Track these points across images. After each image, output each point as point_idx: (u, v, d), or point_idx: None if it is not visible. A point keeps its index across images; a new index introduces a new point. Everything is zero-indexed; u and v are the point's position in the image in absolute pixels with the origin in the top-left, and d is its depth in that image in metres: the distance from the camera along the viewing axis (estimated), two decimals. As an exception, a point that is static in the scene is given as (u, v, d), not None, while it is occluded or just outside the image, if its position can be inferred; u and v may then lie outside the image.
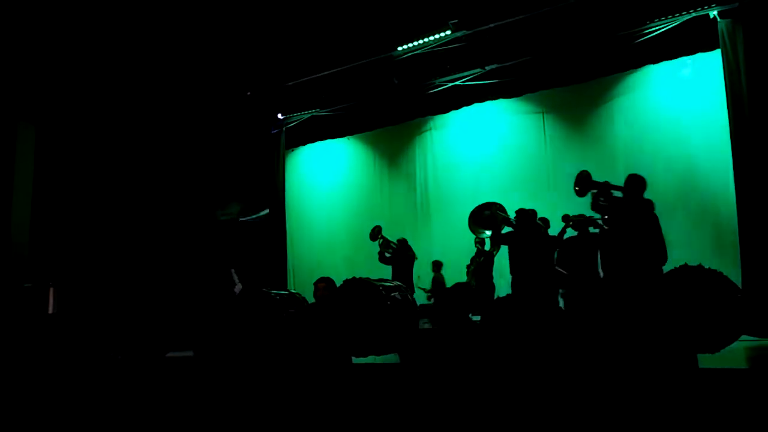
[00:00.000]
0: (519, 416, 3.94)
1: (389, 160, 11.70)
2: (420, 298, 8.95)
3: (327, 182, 12.35)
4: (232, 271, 9.15)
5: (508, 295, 5.42)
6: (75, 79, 10.28)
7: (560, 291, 7.20)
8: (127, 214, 10.88)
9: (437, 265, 9.67)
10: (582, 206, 8.52)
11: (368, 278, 5.42)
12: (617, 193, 6.27)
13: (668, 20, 8.34)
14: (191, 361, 5.84)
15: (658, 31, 8.44)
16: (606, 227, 6.58)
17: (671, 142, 8.86)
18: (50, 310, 9.18)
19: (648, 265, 5.89)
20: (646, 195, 6.24)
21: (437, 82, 10.39)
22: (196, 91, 10.91)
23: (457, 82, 10.25)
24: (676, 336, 4.42)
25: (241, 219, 10.37)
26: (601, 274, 7.06)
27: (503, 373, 4.31)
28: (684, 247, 8.30)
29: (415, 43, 9.62)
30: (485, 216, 8.01)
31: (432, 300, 9.40)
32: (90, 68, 10.17)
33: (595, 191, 6.27)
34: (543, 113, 10.06)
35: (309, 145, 12.57)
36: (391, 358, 5.52)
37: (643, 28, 8.51)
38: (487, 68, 9.88)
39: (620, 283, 5.88)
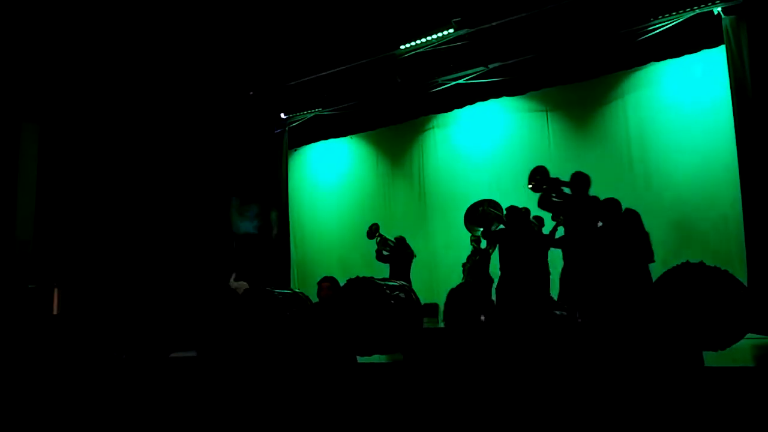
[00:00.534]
0: (524, 415, 3.92)
1: (392, 159, 11.69)
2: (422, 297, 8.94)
3: (330, 181, 12.35)
4: (233, 276, 9.14)
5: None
6: (79, 78, 10.29)
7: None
8: (131, 214, 10.89)
9: None
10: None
11: (372, 277, 5.41)
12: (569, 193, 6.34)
13: (672, 17, 8.30)
14: (195, 361, 5.84)
15: (663, 28, 8.40)
16: (557, 222, 6.60)
17: (676, 140, 8.83)
18: (54, 311, 9.20)
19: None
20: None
21: (440, 80, 10.36)
22: (199, 90, 10.92)
23: (460, 81, 10.23)
24: (681, 334, 4.40)
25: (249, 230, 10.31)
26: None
27: (508, 372, 4.29)
28: (690, 243, 8.30)
29: (418, 42, 9.60)
30: (478, 213, 7.99)
31: None
32: (94, 68, 10.19)
33: (546, 187, 6.30)
34: (547, 111, 10.02)
35: (312, 145, 12.57)
36: (395, 357, 5.52)
37: (647, 25, 8.47)
38: (491, 66, 9.85)
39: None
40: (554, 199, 6.26)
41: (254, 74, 10.85)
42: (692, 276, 4.46)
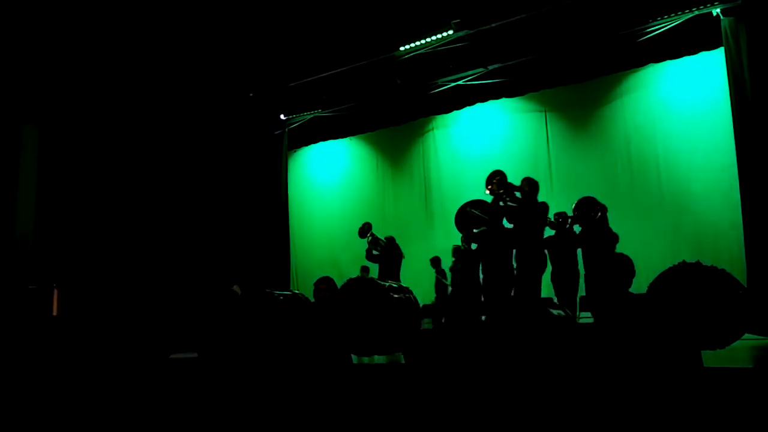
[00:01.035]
0: (523, 416, 3.93)
1: (392, 160, 11.71)
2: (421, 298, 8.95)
3: (330, 183, 12.36)
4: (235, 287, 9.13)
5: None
6: (79, 80, 10.30)
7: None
8: (131, 216, 10.89)
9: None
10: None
11: (371, 278, 5.44)
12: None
13: (671, 18, 8.31)
14: (195, 362, 5.84)
15: (661, 30, 8.42)
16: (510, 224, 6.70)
17: (674, 141, 8.85)
18: (54, 312, 9.20)
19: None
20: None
21: (440, 81, 10.38)
22: (199, 92, 10.93)
23: (460, 82, 10.25)
24: (679, 333, 4.41)
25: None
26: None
27: (506, 373, 4.30)
28: (688, 244, 8.31)
29: (418, 43, 9.61)
30: (466, 215, 8.01)
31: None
32: (94, 69, 10.19)
33: (502, 191, 6.37)
34: (545, 112, 10.05)
35: (311, 146, 12.60)
36: (394, 357, 5.53)
37: (646, 26, 8.49)
38: (490, 68, 9.87)
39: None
40: (508, 203, 6.37)
41: (254, 75, 10.85)
42: (690, 275, 4.48)
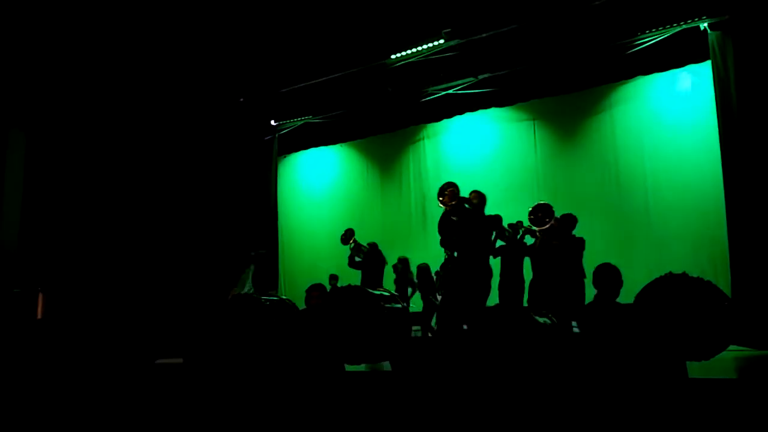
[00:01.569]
0: (511, 424, 3.94)
1: (382, 167, 11.72)
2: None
3: (319, 189, 12.35)
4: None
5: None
6: (67, 86, 10.25)
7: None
8: (117, 220, 10.83)
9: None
10: (568, 211, 8.58)
11: (363, 286, 5.44)
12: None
13: (659, 32, 8.41)
14: (181, 368, 5.80)
15: (650, 43, 8.51)
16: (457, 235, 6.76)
17: (661, 152, 8.93)
18: (38, 316, 9.11)
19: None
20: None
21: (430, 90, 10.43)
22: (189, 96, 10.90)
23: (450, 91, 10.29)
24: (665, 344, 4.43)
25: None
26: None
27: (493, 382, 4.31)
28: (674, 255, 8.38)
29: (409, 52, 9.65)
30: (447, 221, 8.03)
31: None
32: (82, 74, 10.15)
33: (453, 203, 6.42)
34: (534, 122, 10.12)
35: (302, 152, 12.59)
36: (383, 365, 5.52)
37: (635, 39, 8.58)
38: (480, 77, 9.93)
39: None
40: (458, 217, 6.41)
41: (245, 81, 10.84)
42: (676, 287, 4.50)
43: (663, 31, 8.38)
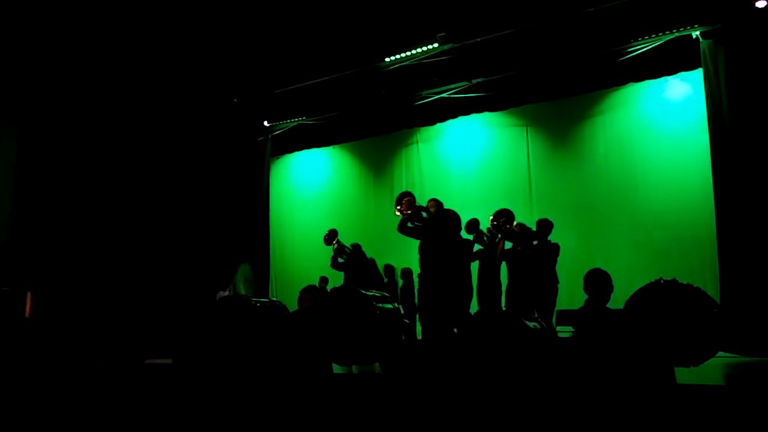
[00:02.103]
0: (502, 427, 3.95)
1: (374, 170, 11.72)
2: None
3: (312, 191, 12.34)
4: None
5: None
6: (59, 81, 10.19)
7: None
8: (108, 219, 10.77)
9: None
10: (560, 218, 8.63)
11: (356, 288, 5.43)
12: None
13: (652, 39, 8.46)
14: (170, 368, 5.78)
15: (642, 50, 8.56)
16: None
17: (653, 159, 8.99)
18: (27, 314, 9.04)
19: None
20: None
21: (424, 94, 10.44)
22: (182, 96, 10.86)
23: (444, 95, 10.31)
24: (654, 350, 4.46)
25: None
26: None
27: (484, 385, 4.32)
28: (663, 262, 8.43)
29: (403, 55, 9.66)
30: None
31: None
32: (74, 71, 10.09)
33: (410, 212, 6.48)
34: (527, 127, 10.16)
35: (295, 154, 12.58)
36: (373, 367, 5.52)
37: (627, 46, 8.63)
38: (474, 81, 9.96)
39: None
40: (415, 224, 6.47)
41: (238, 81, 10.82)
42: (665, 293, 4.53)
43: (656, 38, 8.44)
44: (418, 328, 6.90)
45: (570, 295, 7.96)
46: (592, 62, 9.03)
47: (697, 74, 8.36)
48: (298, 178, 12.58)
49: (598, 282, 4.78)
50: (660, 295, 4.53)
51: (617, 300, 4.78)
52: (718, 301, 7.00)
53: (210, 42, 9.73)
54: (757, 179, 7.36)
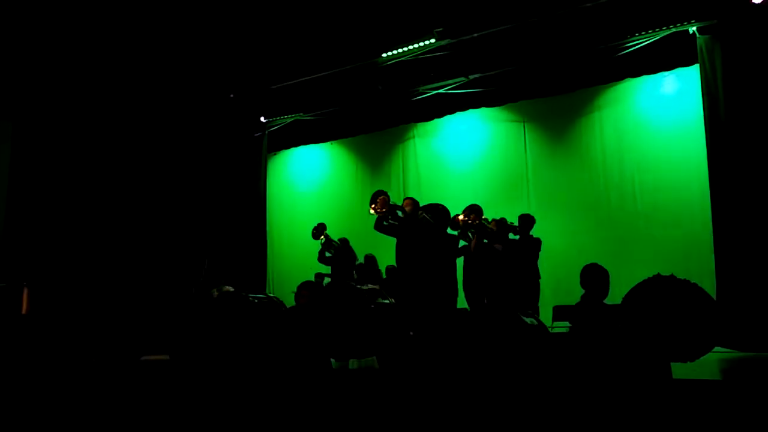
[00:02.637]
0: (498, 423, 3.95)
1: (372, 166, 11.71)
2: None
3: (309, 187, 12.32)
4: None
5: None
6: (54, 77, 10.15)
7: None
8: (104, 215, 10.75)
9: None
10: (558, 214, 8.65)
11: (352, 283, 5.45)
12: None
13: (649, 35, 8.45)
14: (167, 364, 5.78)
15: (639, 46, 8.55)
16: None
17: (649, 154, 9.00)
18: (23, 311, 9.03)
19: None
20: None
21: (421, 89, 10.42)
22: (178, 91, 10.83)
23: (441, 90, 10.29)
24: (650, 345, 4.47)
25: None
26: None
27: (481, 380, 4.32)
28: (660, 257, 8.44)
29: (400, 51, 9.64)
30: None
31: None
32: (70, 67, 10.06)
33: (384, 210, 6.51)
34: (524, 122, 10.16)
35: (292, 149, 12.55)
36: (370, 361, 5.53)
37: (624, 41, 8.62)
38: (471, 77, 9.94)
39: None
40: (390, 221, 6.50)
41: (235, 76, 10.79)
42: (663, 288, 4.54)
43: (652, 34, 8.43)
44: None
45: (567, 291, 7.97)
46: (589, 58, 9.02)
47: (694, 70, 8.35)
48: (295, 174, 12.56)
49: (594, 277, 4.79)
50: (657, 291, 4.54)
51: (614, 296, 4.79)
52: (714, 296, 7.01)
53: (206, 37, 9.70)
54: (753, 175, 7.37)
